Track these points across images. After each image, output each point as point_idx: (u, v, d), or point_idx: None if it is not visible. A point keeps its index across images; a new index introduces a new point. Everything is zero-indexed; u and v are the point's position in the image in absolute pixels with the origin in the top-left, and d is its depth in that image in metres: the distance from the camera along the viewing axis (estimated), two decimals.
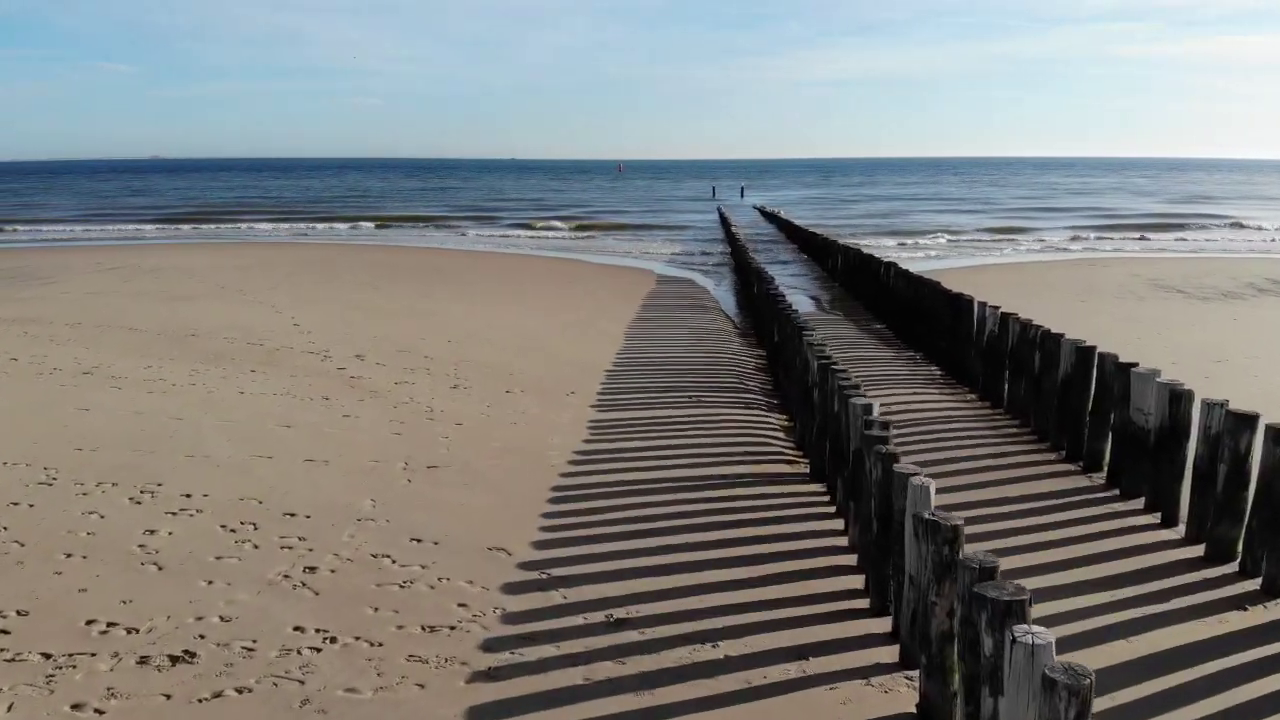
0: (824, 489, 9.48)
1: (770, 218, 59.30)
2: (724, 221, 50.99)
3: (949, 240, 46.88)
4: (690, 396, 13.20)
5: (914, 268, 24.76)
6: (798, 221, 46.03)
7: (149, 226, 57.75)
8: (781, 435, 11.78)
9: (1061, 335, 11.87)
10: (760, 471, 9.87)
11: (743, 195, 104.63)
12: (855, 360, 16.67)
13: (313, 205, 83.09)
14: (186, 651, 5.93)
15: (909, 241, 45.96)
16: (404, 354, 15.74)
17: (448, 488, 9.03)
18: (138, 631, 6.20)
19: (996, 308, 14.22)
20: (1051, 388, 11.83)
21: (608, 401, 12.76)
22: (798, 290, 27.42)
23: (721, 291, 27.70)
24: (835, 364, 9.51)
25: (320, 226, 58.39)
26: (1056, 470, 10.57)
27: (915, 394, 14.48)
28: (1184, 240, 47.55)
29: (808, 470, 10.09)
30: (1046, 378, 11.97)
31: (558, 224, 60.05)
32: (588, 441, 10.70)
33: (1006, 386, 13.54)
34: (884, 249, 40.99)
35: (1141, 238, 49.21)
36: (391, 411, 11.99)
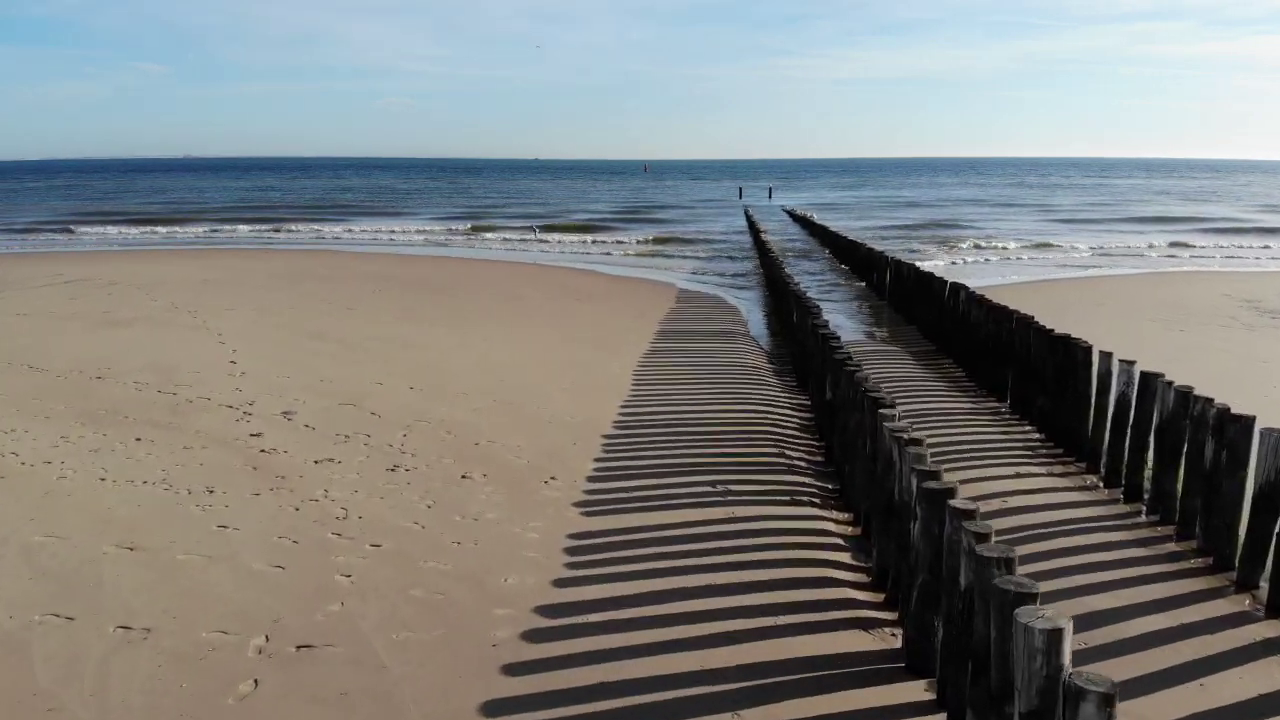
0: (931, 691, 5.86)
1: (802, 222, 55.49)
2: (752, 227, 47.27)
3: (1003, 250, 42.49)
4: (715, 485, 9.58)
5: (968, 281, 21.07)
6: (834, 227, 42.23)
7: (149, 230, 54.91)
8: (846, 556, 8.15)
9: (1253, 418, 8.18)
10: (825, 653, 6.24)
11: (770, 197, 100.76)
12: (925, 416, 13.03)
13: (326, 206, 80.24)
14: None
15: (968, 259, 41.52)
16: (347, 410, 12.25)
17: (309, 704, 5.48)
18: None
19: (1131, 363, 10.51)
20: (1237, 495, 8.17)
21: (600, 497, 9.15)
22: (840, 311, 23.78)
23: (751, 312, 24.07)
24: (950, 489, 5.87)
25: (324, 230, 55.31)
26: (1272, 635, 6.91)
27: (1014, 474, 10.83)
28: (1255, 252, 43.19)
29: (900, 645, 6.46)
30: (1227, 478, 8.28)
31: (577, 229, 56.56)
32: (560, 584, 7.11)
33: (1149, 475, 9.86)
34: (932, 259, 37.05)
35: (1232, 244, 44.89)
36: (290, 518, 8.47)
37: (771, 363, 17.35)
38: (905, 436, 7.08)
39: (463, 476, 9.60)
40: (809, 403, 14.08)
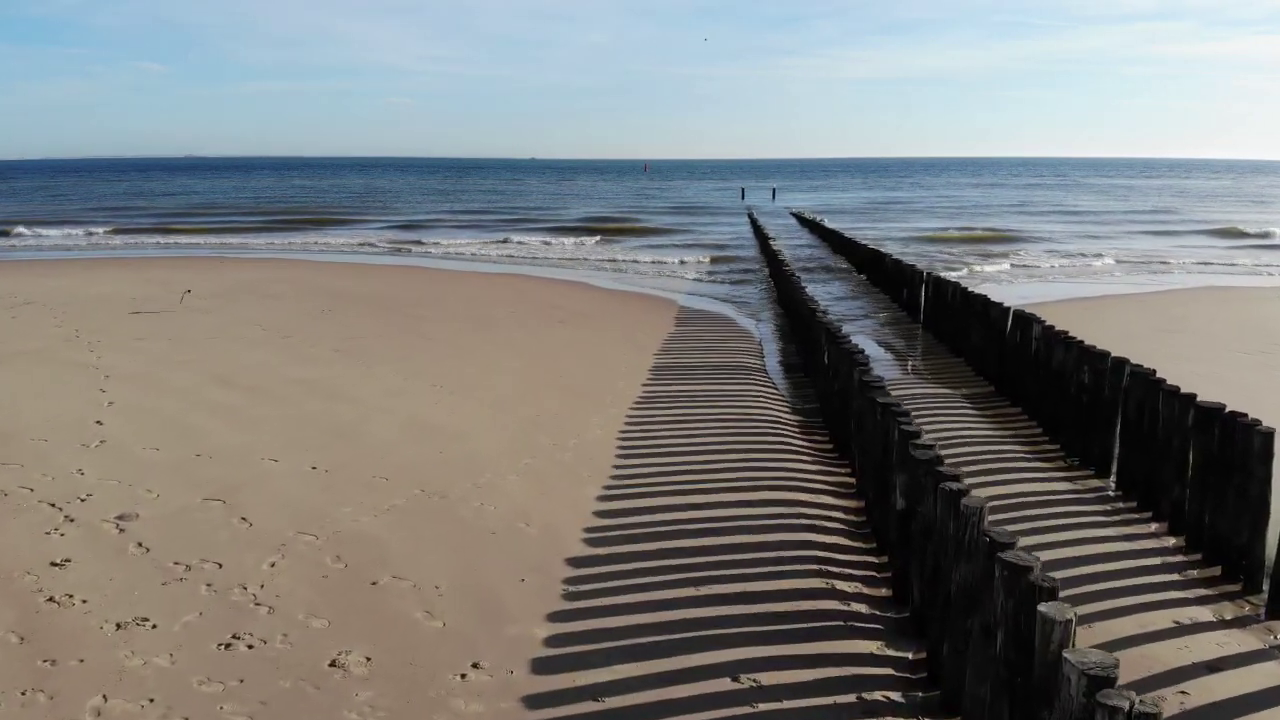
0: None
1: (811, 227, 51.96)
2: (759, 233, 43.74)
3: (1036, 260, 38.44)
4: (738, 678, 6.05)
5: (1004, 297, 17.69)
6: (849, 233, 38.66)
7: (114, 236, 51.40)
8: None
9: None
10: None
11: (774, 198, 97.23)
12: (1014, 506, 9.55)
13: (307, 210, 76.64)
14: None
15: (1011, 272, 37.58)
16: (211, 510, 8.72)
17: None
18: None
19: None
20: None
21: (549, 714, 5.60)
22: (866, 335, 20.31)
23: (764, 335, 20.53)
24: None
25: (298, 238, 51.74)
26: None
27: (1173, 623, 7.42)
28: None
29: None
30: None
31: (568, 234, 52.96)
32: None
33: None
34: (969, 271, 33.06)
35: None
36: None
37: (794, 410, 13.84)
38: (1120, 709, 3.55)
39: (331, 663, 6.05)
40: (853, 480, 10.58)
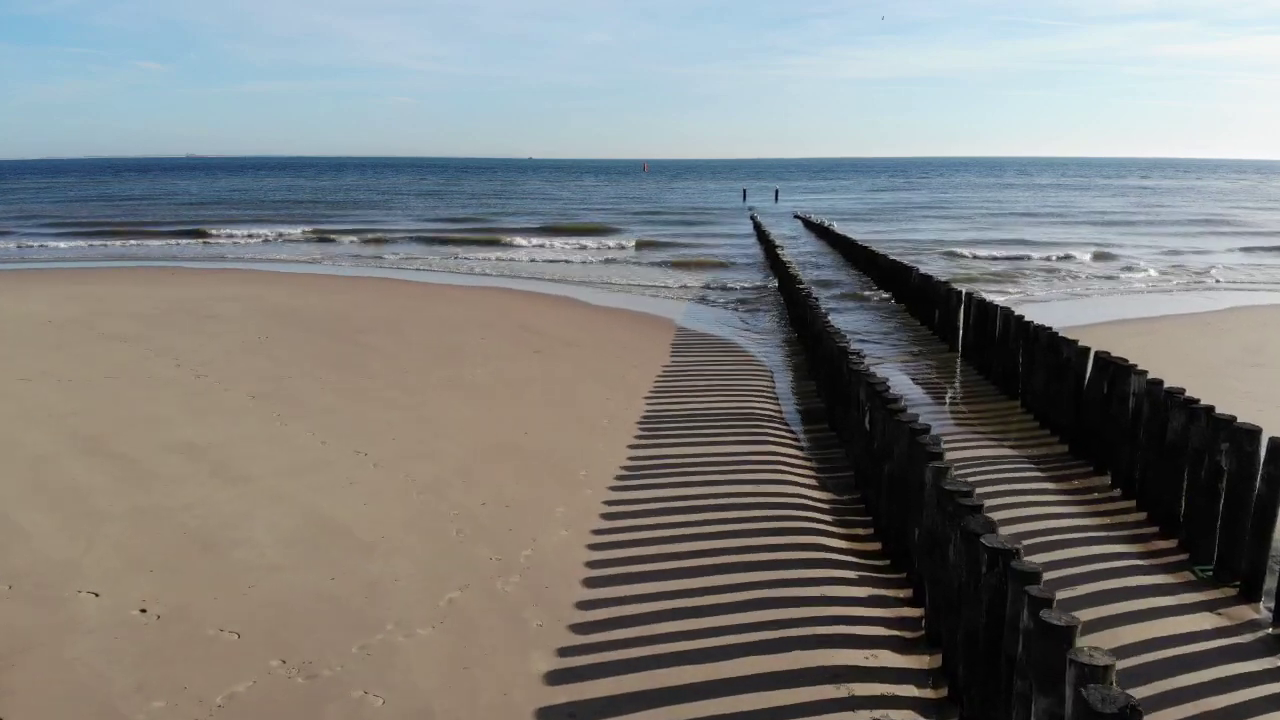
0: None
1: (819, 232, 48.83)
2: (763, 239, 40.63)
3: (1064, 274, 34.70)
4: None
5: (1045, 316, 14.67)
6: (861, 240, 35.55)
7: (62, 242, 48.34)
8: None
9: None
10: None
11: (776, 199, 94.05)
12: (1142, 669, 6.47)
13: (305, 211, 73.50)
14: None
15: (1034, 291, 34.47)
16: None
17: None
18: None
19: None
20: None
21: None
22: (892, 366, 17.32)
23: (776, 367, 17.42)
24: None
25: (264, 248, 48.61)
26: None
27: None
28: None
29: None
30: None
31: (558, 239, 49.80)
32: None
33: None
34: (997, 282, 29.52)
35: None
36: None
37: (822, 483, 10.78)
38: None
39: None
40: (918, 615, 7.50)
